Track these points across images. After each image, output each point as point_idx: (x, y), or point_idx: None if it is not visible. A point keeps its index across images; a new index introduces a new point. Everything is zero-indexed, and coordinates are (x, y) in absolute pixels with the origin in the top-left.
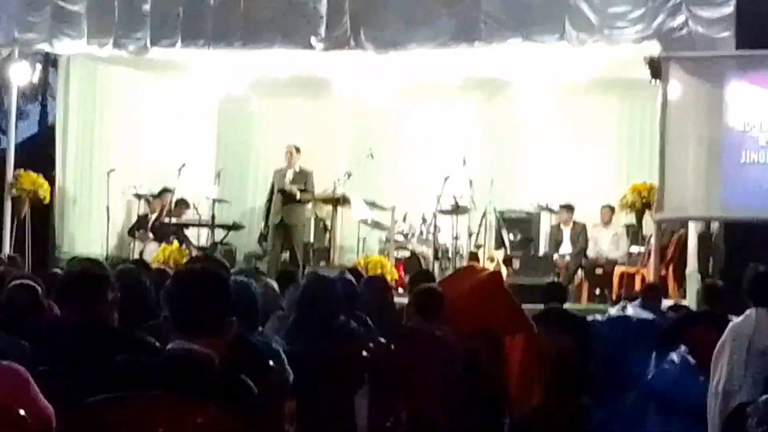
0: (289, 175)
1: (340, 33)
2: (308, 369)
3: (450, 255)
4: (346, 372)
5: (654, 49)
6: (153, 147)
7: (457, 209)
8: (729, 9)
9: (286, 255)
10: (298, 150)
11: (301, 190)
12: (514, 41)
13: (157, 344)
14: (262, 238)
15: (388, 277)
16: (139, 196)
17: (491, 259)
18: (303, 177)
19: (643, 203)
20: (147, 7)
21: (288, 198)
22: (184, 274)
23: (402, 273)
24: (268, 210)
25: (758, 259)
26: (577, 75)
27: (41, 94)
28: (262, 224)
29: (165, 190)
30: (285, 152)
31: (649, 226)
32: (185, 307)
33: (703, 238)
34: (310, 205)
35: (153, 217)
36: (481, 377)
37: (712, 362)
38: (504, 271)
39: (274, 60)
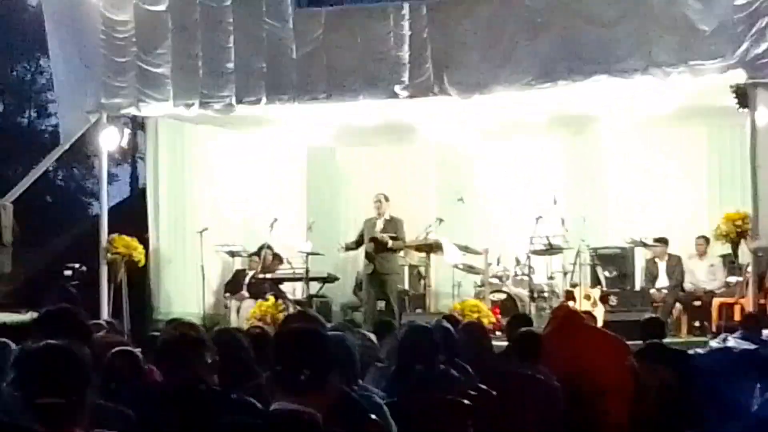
0: (380, 224)
1: (424, 79)
2: (410, 419)
3: (546, 295)
4: (448, 420)
5: (740, 76)
6: (243, 203)
7: (550, 249)
8: None
9: (381, 304)
10: (387, 198)
11: (393, 238)
12: (599, 77)
13: (258, 405)
14: (357, 287)
15: (485, 321)
16: (232, 254)
17: (588, 297)
18: (394, 225)
19: (737, 232)
20: (230, 65)
21: (380, 247)
22: (285, 334)
23: (498, 316)
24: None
25: None
26: (664, 106)
27: (131, 157)
28: (357, 273)
29: (262, 247)
30: (374, 201)
31: (745, 255)
32: (288, 367)
33: None
34: (402, 254)
35: (251, 273)
36: (584, 417)
37: None
38: (601, 308)
39: (359, 109)
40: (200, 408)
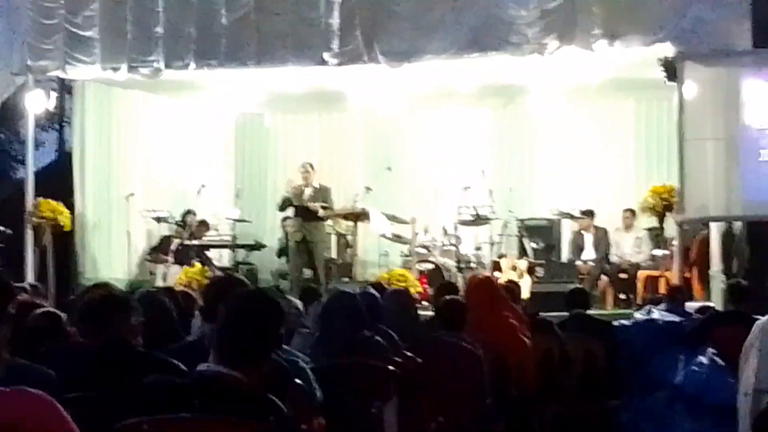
0: (308, 192)
1: (353, 47)
2: (335, 385)
3: (473, 266)
4: (372, 386)
5: (668, 49)
6: (171, 169)
7: (477, 219)
8: (743, 7)
9: (308, 272)
10: (312, 167)
11: (324, 207)
12: (526, 52)
13: (182, 367)
14: (280, 253)
15: (412, 290)
16: (159, 219)
17: (514, 268)
18: (322, 193)
19: (663, 205)
20: (159, 29)
21: (309, 215)
22: (239, 299)
23: (425, 285)
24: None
25: None
26: (592, 78)
27: (57, 121)
28: (280, 238)
29: (187, 213)
30: (300, 170)
31: (671, 229)
32: (234, 337)
33: (726, 237)
34: (330, 222)
35: (177, 241)
36: (507, 384)
37: (740, 362)
38: (528, 279)
39: (287, 76)
40: (124, 368)
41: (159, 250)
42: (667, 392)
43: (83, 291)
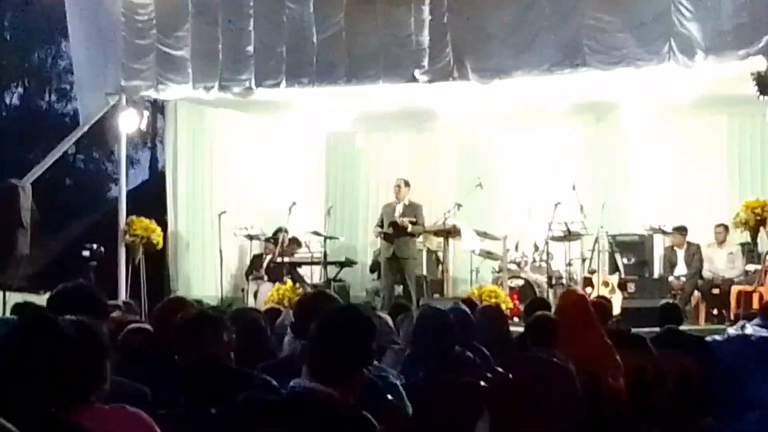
0: (399, 208)
1: (444, 64)
2: (426, 401)
3: (564, 281)
4: (464, 402)
5: (760, 64)
6: (262, 187)
7: (569, 235)
8: None
9: (399, 289)
10: (407, 184)
11: (412, 223)
12: (620, 66)
13: (274, 383)
14: (372, 271)
15: (503, 307)
16: (251, 237)
17: (606, 284)
18: (413, 210)
19: (756, 220)
20: (250, 48)
21: (399, 231)
22: (335, 318)
23: (516, 302)
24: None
25: None
26: (684, 94)
27: (150, 140)
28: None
29: (279, 230)
30: (394, 186)
31: (764, 243)
32: (327, 355)
33: None
34: (420, 238)
35: (268, 257)
36: (600, 401)
37: None
38: (619, 295)
39: (378, 94)
40: (217, 385)
41: (253, 268)
42: (762, 410)
43: (160, 306)
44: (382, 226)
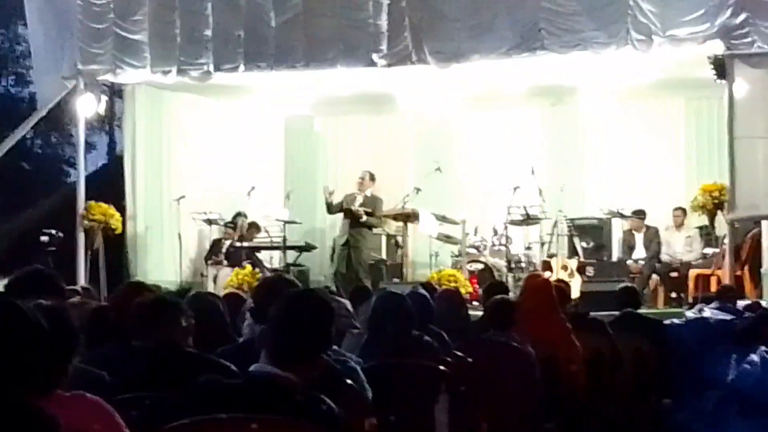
0: (360, 199)
1: (402, 48)
2: (385, 385)
3: (523, 265)
4: (423, 386)
5: (718, 47)
6: (222, 172)
7: (527, 219)
8: None
9: (354, 274)
10: (372, 177)
11: (368, 214)
12: (577, 49)
13: (233, 368)
14: (334, 254)
15: (462, 291)
16: (210, 222)
17: (564, 268)
18: (373, 202)
19: (714, 204)
20: (208, 32)
21: (354, 220)
22: (293, 300)
23: (476, 285)
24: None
25: None
26: (642, 77)
27: (108, 124)
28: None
29: (238, 215)
30: (358, 176)
31: (722, 227)
32: (287, 337)
33: None
34: (376, 230)
35: (228, 242)
36: (558, 384)
37: None
38: (578, 279)
39: (337, 78)
40: (175, 369)
41: (211, 253)
42: (719, 392)
43: (118, 291)
44: (337, 208)
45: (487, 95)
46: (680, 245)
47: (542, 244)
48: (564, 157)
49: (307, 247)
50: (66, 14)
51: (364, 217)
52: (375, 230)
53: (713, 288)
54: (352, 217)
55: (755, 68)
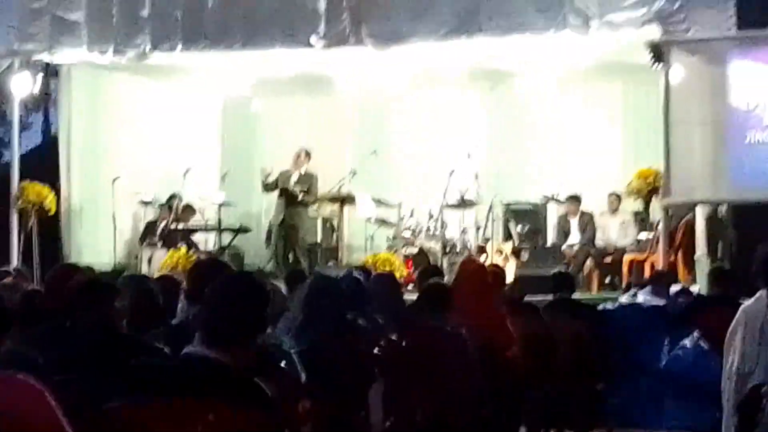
0: (294, 177)
1: (340, 30)
2: (318, 368)
3: (458, 249)
4: (356, 369)
5: (655, 32)
6: (157, 153)
7: (463, 203)
8: None
9: (291, 256)
10: (308, 155)
11: (304, 192)
12: (516, 33)
13: (167, 350)
14: (268, 239)
15: (397, 274)
16: (145, 203)
17: (499, 252)
18: (308, 180)
19: (649, 189)
20: (145, 12)
21: (290, 199)
22: (228, 282)
23: (411, 269)
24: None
25: None
26: (580, 62)
27: (43, 104)
28: (268, 224)
29: (173, 197)
30: (295, 154)
31: (656, 212)
32: (220, 319)
33: (712, 221)
34: (315, 206)
35: (162, 224)
36: (494, 368)
37: (725, 345)
38: (513, 263)
39: (275, 60)
40: (109, 351)
41: (147, 235)
42: (653, 375)
43: (51, 272)
44: (272, 186)
45: (425, 78)
46: (615, 230)
47: (477, 228)
48: (501, 141)
49: (243, 230)
50: None
51: (300, 196)
52: (311, 213)
53: (647, 273)
54: (287, 195)
55: (693, 57)
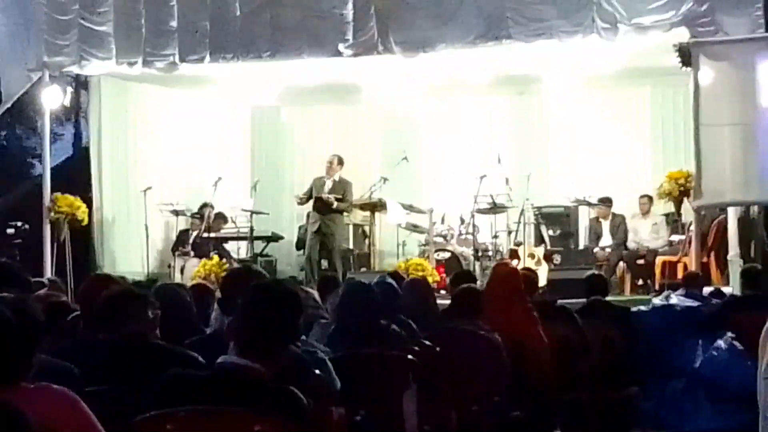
0: (329, 184)
1: (368, 38)
2: (353, 375)
3: (490, 254)
4: (390, 375)
5: (682, 35)
6: (188, 163)
7: (494, 208)
8: None
9: (325, 263)
10: (341, 161)
11: (339, 200)
12: (543, 38)
13: (201, 359)
14: (300, 244)
15: (429, 279)
16: (176, 213)
17: (532, 256)
18: (342, 187)
19: (680, 191)
20: (174, 23)
21: (324, 207)
22: (260, 291)
23: (443, 274)
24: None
25: None
26: (608, 66)
27: (74, 116)
28: (299, 231)
29: (204, 206)
30: (327, 161)
31: (688, 214)
32: (255, 328)
33: (744, 222)
34: (347, 214)
35: (194, 233)
36: (525, 372)
37: (760, 346)
38: (545, 267)
39: (302, 69)
40: (142, 362)
41: (179, 244)
42: (686, 378)
43: (85, 283)
44: (309, 198)
45: (453, 84)
46: (647, 232)
47: (509, 232)
48: (530, 145)
49: (274, 238)
50: (31, 6)
51: (335, 204)
52: (344, 219)
53: (680, 275)
54: (322, 203)
55: (722, 59)
